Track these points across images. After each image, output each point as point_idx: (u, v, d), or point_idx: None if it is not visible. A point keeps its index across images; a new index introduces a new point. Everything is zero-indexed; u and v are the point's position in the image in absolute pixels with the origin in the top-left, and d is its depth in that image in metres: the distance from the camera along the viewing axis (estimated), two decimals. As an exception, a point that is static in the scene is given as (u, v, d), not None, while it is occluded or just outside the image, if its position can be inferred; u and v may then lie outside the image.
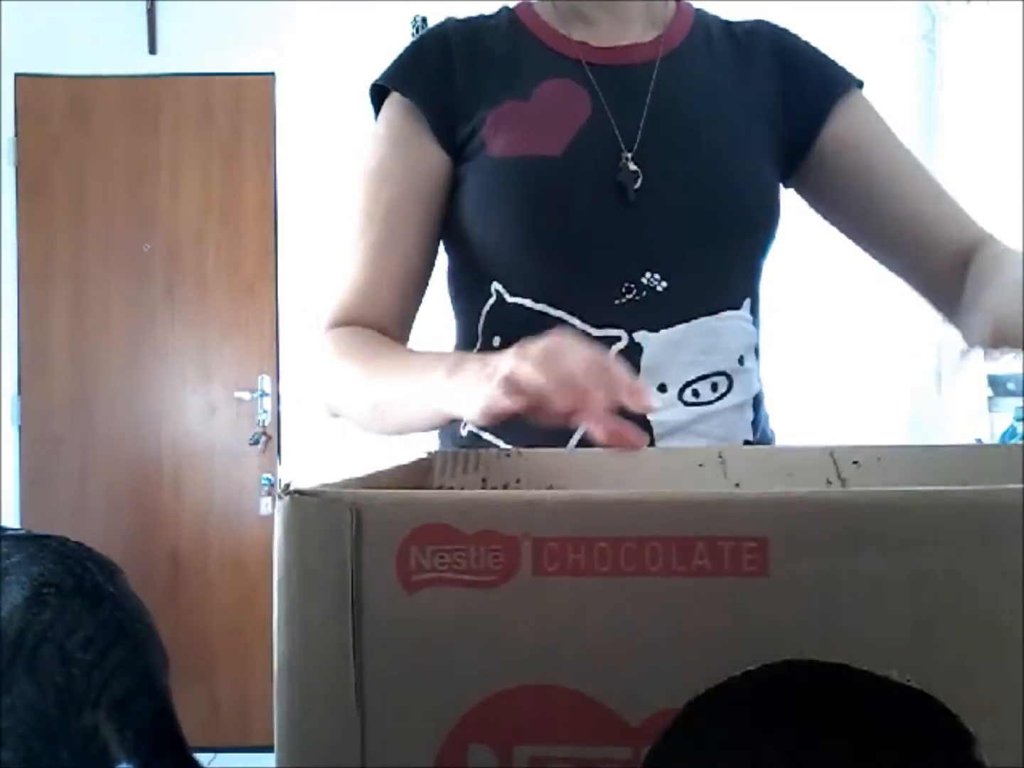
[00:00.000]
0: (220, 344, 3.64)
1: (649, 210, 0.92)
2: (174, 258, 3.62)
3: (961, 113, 3.49)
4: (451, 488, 0.65)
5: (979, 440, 3.30)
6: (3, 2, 3.51)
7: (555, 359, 0.64)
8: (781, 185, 1.04)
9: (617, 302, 0.94)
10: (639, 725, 0.42)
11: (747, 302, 0.99)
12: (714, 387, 0.96)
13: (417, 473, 0.66)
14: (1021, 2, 3.28)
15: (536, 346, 0.66)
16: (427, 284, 1.03)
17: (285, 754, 0.44)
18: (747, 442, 0.99)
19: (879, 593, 0.41)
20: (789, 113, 1.01)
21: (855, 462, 0.63)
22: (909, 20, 3.58)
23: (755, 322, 1.01)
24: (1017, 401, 3.43)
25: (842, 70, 1.04)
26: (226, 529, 3.61)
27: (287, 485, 0.44)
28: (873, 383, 3.43)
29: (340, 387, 0.94)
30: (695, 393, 0.95)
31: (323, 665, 0.43)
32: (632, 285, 0.94)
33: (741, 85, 1.02)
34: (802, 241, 3.24)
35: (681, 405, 0.94)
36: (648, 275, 0.94)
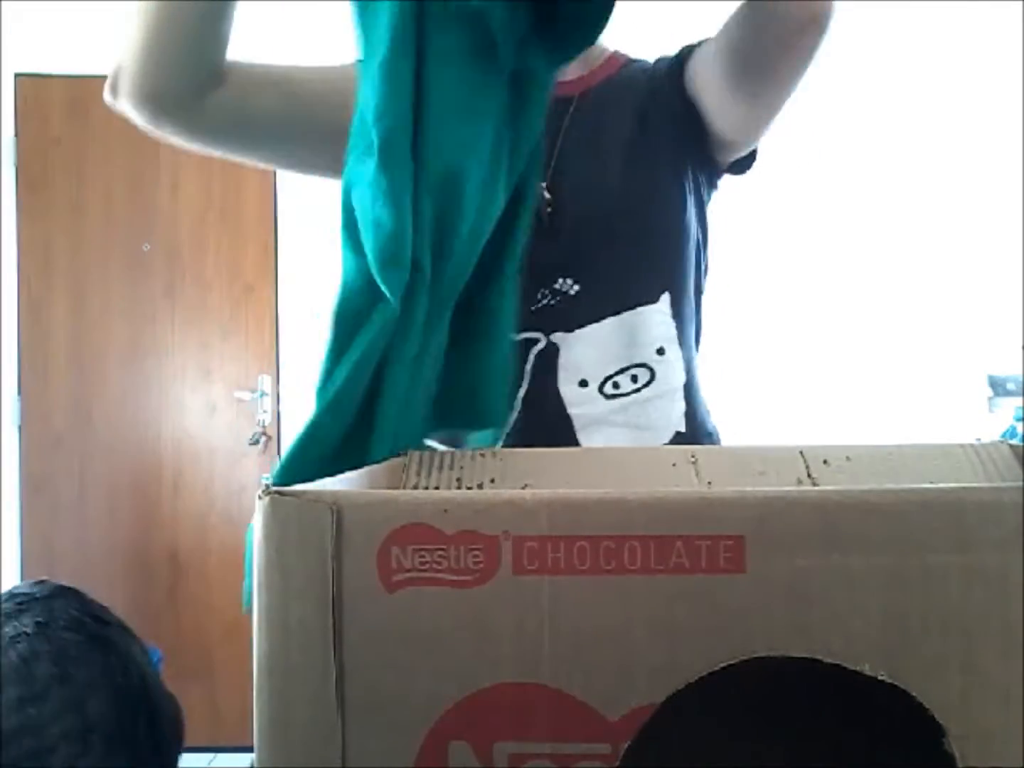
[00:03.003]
0: (220, 344, 3.64)
1: (559, 230, 1.04)
2: (174, 258, 3.62)
3: None
4: (426, 488, 0.65)
5: (979, 440, 3.29)
6: (3, 2, 3.52)
7: None
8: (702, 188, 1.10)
9: (534, 308, 1.03)
10: (618, 721, 0.43)
11: (665, 296, 1.06)
12: (634, 379, 1.04)
13: (392, 472, 0.66)
14: None
15: None
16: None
17: (265, 754, 0.44)
18: (679, 433, 1.05)
19: (852, 589, 0.42)
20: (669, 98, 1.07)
21: (825, 461, 0.64)
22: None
23: (678, 314, 1.07)
24: (1017, 401, 3.43)
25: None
26: (226, 529, 3.61)
27: (267, 485, 0.44)
28: (873, 383, 3.44)
29: None
30: (616, 385, 1.03)
31: (304, 664, 0.44)
32: (547, 291, 1.04)
33: (651, 114, 1.07)
34: (803, 243, 3.25)
35: (602, 398, 1.03)
36: (561, 281, 1.04)
